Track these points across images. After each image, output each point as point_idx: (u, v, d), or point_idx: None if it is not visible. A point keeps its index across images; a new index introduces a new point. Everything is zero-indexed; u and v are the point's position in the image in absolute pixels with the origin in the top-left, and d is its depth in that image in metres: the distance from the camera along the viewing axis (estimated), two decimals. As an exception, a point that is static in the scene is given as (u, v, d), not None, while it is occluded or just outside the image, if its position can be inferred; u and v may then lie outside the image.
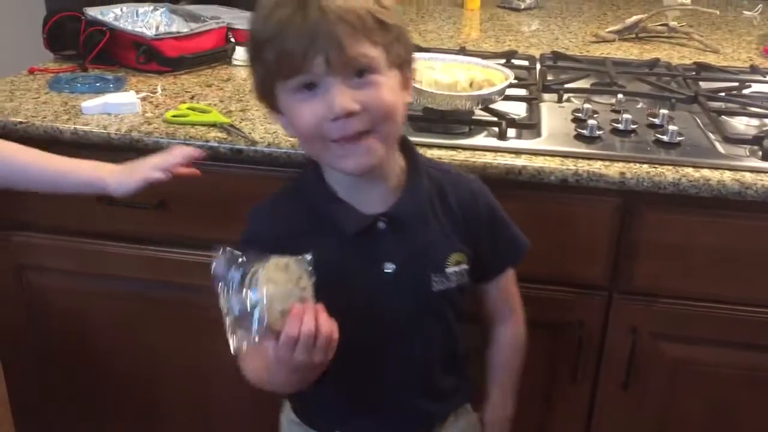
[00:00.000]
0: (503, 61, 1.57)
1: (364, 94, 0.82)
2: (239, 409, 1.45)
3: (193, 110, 1.33)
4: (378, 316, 0.93)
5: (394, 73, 0.85)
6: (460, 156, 1.18)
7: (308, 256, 0.84)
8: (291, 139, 1.23)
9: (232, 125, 1.27)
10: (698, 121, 1.32)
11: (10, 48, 2.58)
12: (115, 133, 1.25)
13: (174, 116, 1.30)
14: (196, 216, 1.31)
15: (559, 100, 1.40)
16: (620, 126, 1.26)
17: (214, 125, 1.27)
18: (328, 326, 0.80)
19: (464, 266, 0.96)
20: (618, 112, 1.33)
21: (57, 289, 1.43)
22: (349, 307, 0.84)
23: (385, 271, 0.92)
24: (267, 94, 0.88)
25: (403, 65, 0.87)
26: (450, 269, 0.94)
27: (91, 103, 1.31)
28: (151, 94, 1.41)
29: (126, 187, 1.08)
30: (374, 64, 0.82)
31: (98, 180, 1.08)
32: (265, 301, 0.79)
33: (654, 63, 1.62)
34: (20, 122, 1.28)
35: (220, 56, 1.60)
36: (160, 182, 1.09)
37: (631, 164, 1.16)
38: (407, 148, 0.96)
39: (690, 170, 1.15)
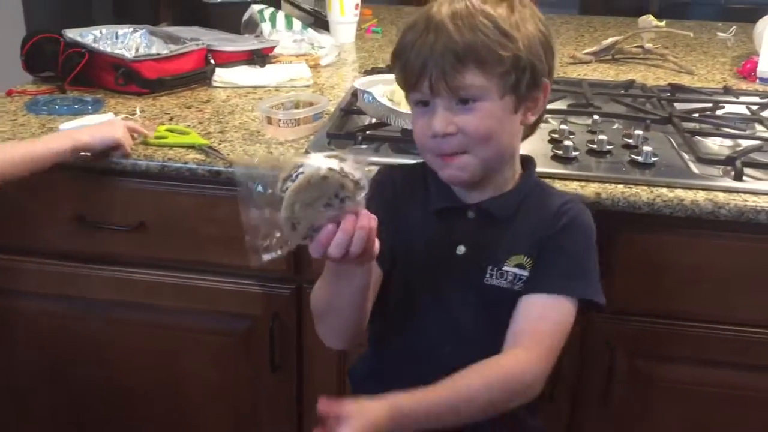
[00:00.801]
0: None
1: (462, 119, 0.90)
2: (218, 424, 1.44)
3: (172, 132, 1.33)
4: (437, 292, 0.99)
5: (505, 99, 0.91)
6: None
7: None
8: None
9: (210, 147, 1.27)
10: (672, 141, 1.34)
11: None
12: (116, 158, 1.25)
13: (153, 138, 1.30)
14: (173, 237, 1.30)
15: (536, 121, 1.42)
16: (596, 147, 1.27)
17: (192, 147, 1.28)
18: (366, 221, 0.78)
19: (523, 271, 0.96)
20: (594, 132, 1.34)
21: (29, 312, 1.41)
22: (416, 276, 0.98)
23: (457, 252, 0.98)
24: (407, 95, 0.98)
25: (522, 90, 0.92)
26: (507, 267, 0.96)
27: (69, 125, 1.31)
28: (130, 116, 1.41)
29: (103, 137, 1.21)
30: (477, 94, 0.90)
31: (74, 143, 1.19)
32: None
33: (629, 84, 1.64)
34: (-4, 144, 1.27)
35: (200, 77, 1.61)
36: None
37: (607, 184, 1.18)
38: (526, 166, 1.03)
39: (664, 190, 1.16)
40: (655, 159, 1.23)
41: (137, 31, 1.70)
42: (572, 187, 1.17)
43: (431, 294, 0.99)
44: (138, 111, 1.44)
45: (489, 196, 0.98)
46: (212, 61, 1.63)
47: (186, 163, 1.24)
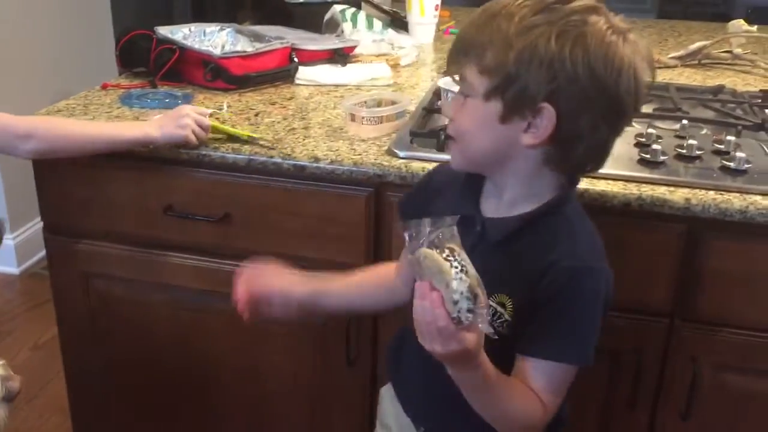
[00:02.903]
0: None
1: (456, 110, 0.93)
2: (295, 411, 1.47)
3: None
4: None
5: (487, 105, 0.88)
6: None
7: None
8: (354, 157, 1.25)
9: (250, 136, 1.31)
10: (765, 148, 1.30)
11: (79, 64, 2.70)
12: (184, 147, 1.29)
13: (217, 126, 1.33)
14: (257, 230, 1.33)
15: (621, 125, 1.39)
16: (685, 152, 1.24)
17: (239, 139, 1.31)
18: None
19: (503, 311, 0.91)
20: (682, 137, 1.31)
21: (119, 297, 1.47)
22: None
23: None
24: None
25: (509, 100, 0.87)
26: (490, 300, 0.89)
27: (160, 118, 1.35)
28: (218, 111, 1.45)
29: (170, 134, 1.27)
30: (467, 88, 0.90)
31: (143, 135, 1.27)
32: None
33: (718, 89, 1.59)
34: (93, 135, 1.33)
35: (284, 75, 1.64)
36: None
37: (697, 190, 1.15)
38: (561, 196, 0.95)
39: (758, 198, 1.13)
40: (748, 166, 1.19)
41: (224, 29, 1.74)
42: (660, 192, 1.15)
43: None
44: (225, 106, 1.48)
45: (498, 215, 0.95)
46: (296, 59, 1.66)
47: (271, 157, 1.26)
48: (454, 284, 0.75)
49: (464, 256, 0.78)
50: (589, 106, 0.86)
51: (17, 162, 1.35)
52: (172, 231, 1.37)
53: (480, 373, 0.84)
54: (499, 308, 0.91)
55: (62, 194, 1.40)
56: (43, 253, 1.54)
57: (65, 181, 1.39)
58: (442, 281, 0.76)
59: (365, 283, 1.15)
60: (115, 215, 1.39)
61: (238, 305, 1.11)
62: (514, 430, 0.93)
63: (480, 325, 0.77)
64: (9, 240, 2.59)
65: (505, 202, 0.95)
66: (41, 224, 1.46)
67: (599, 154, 0.93)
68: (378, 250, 1.29)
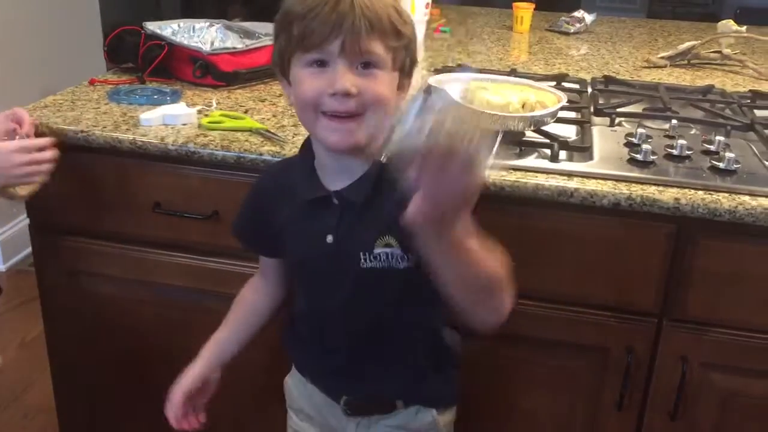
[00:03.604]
0: (554, 83, 1.57)
1: (363, 81, 0.93)
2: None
3: (227, 117, 1.37)
4: (322, 283, 1.06)
5: (394, 75, 0.97)
6: (511, 177, 1.18)
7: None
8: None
9: (267, 130, 1.31)
10: (754, 149, 1.30)
11: (67, 59, 2.68)
12: (173, 144, 1.28)
13: (209, 123, 1.33)
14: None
15: (611, 124, 1.40)
16: (674, 151, 1.24)
17: (249, 130, 1.31)
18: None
19: (395, 249, 0.98)
20: (672, 137, 1.31)
21: (106, 295, 1.46)
22: (301, 269, 1.09)
23: (327, 241, 1.01)
24: (283, 63, 0.99)
25: (405, 71, 0.99)
26: (378, 250, 0.99)
27: (149, 115, 1.34)
28: (207, 107, 1.44)
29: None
30: (380, 61, 0.94)
31: None
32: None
33: (708, 89, 1.60)
34: (81, 131, 1.32)
35: (273, 72, 1.62)
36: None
37: (686, 190, 1.15)
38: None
39: (747, 198, 1.13)
40: (737, 166, 1.20)
41: (213, 25, 1.73)
42: (649, 191, 1.15)
43: (310, 284, 1.09)
44: (214, 102, 1.47)
45: (351, 179, 1.00)
46: (285, 57, 1.65)
47: (261, 154, 1.26)
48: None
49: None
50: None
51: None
52: (160, 228, 1.36)
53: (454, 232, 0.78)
54: (388, 250, 0.98)
55: (49, 191, 1.39)
56: (29, 249, 1.53)
57: (52, 177, 1.37)
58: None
59: (240, 321, 1.20)
60: (103, 212, 1.38)
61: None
62: (502, 289, 0.86)
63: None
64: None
65: (346, 170, 0.99)
66: (27, 221, 1.44)
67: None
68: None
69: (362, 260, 0.99)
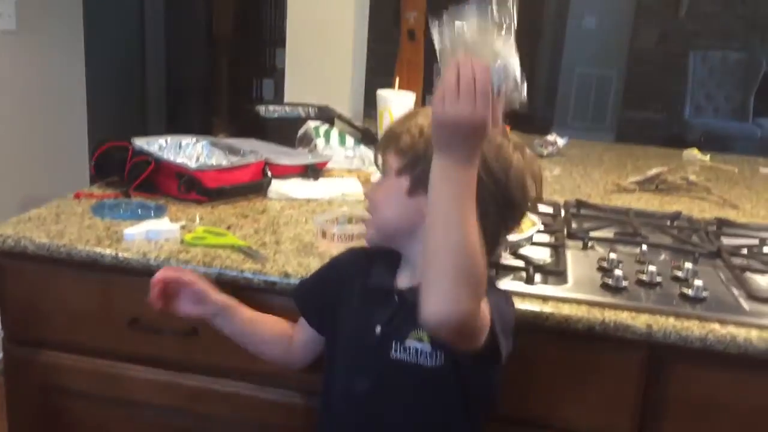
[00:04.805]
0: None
1: (373, 189, 1.13)
2: None
3: (210, 233, 1.39)
4: (352, 365, 1.11)
5: (401, 180, 1.05)
6: (489, 300, 1.20)
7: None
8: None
9: (249, 247, 1.33)
10: (722, 276, 1.34)
11: (50, 168, 2.71)
12: (155, 260, 1.29)
13: (193, 239, 1.35)
14: (225, 345, 1.32)
15: (584, 248, 1.44)
16: (645, 278, 1.28)
17: (231, 247, 1.33)
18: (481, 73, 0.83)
19: (425, 345, 1.02)
20: (642, 262, 1.36)
21: (79, 411, 1.42)
22: (337, 347, 1.14)
23: (375, 332, 1.06)
24: None
25: (418, 174, 1.02)
26: (409, 342, 1.03)
27: (133, 230, 1.36)
28: (190, 222, 1.46)
29: None
30: (386, 170, 1.08)
31: None
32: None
33: (676, 216, 1.66)
34: (63, 245, 1.33)
35: (257, 188, 1.67)
36: None
37: (658, 317, 1.18)
38: None
39: (716, 326, 1.16)
40: (706, 294, 1.23)
41: (199, 141, 1.78)
42: (623, 317, 1.17)
43: (340, 363, 1.13)
44: (197, 218, 1.49)
45: (413, 284, 1.03)
46: (269, 173, 1.70)
47: (242, 271, 1.27)
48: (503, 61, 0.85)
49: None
50: (481, 189, 0.91)
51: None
52: (137, 344, 1.35)
53: (473, 171, 0.86)
54: (418, 344, 1.02)
55: (26, 303, 1.38)
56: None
57: (29, 289, 1.37)
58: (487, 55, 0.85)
59: (266, 331, 1.24)
60: (79, 325, 1.37)
61: (152, 291, 1.19)
62: (477, 283, 0.86)
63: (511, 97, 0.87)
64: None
65: (417, 272, 1.02)
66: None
67: (490, 241, 1.00)
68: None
69: (393, 350, 1.03)
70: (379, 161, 1.11)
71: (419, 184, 1.01)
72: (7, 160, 2.59)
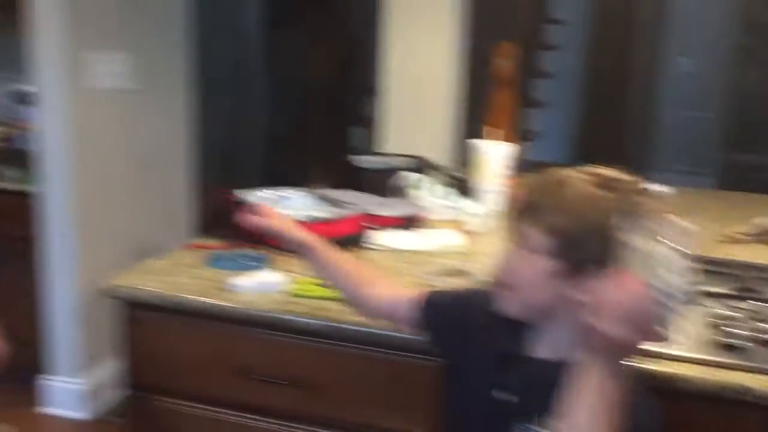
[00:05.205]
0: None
1: (513, 260, 1.02)
2: None
3: (315, 284, 1.40)
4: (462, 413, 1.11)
5: (543, 260, 0.98)
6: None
7: None
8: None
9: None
10: None
11: (160, 221, 2.82)
12: (263, 311, 1.33)
13: (299, 290, 1.39)
14: (342, 396, 1.34)
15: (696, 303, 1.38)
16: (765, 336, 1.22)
17: (337, 300, 1.33)
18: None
19: None
20: (763, 321, 1.29)
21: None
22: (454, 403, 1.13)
23: (491, 394, 1.04)
24: None
25: (573, 262, 0.97)
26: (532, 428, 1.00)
27: (242, 281, 1.40)
28: (295, 273, 1.49)
29: None
30: (522, 243, 1.01)
31: None
32: None
33: (792, 269, 1.58)
34: (175, 295, 1.39)
35: (355, 240, 1.70)
36: None
37: (780, 378, 1.12)
38: None
39: None
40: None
41: (301, 193, 1.83)
42: (739, 378, 1.12)
43: (460, 414, 1.12)
44: (298, 269, 1.53)
45: (543, 356, 1.03)
46: (369, 225, 1.73)
47: (350, 324, 1.29)
48: (669, 277, 0.87)
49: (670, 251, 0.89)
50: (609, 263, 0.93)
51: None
52: (249, 393, 1.39)
53: (619, 386, 0.88)
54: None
55: (148, 351, 1.45)
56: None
57: (150, 338, 1.44)
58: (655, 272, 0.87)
59: (348, 271, 1.24)
60: (192, 375, 1.42)
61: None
62: None
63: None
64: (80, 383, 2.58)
65: (549, 344, 1.02)
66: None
67: None
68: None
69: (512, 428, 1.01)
70: (513, 230, 1.02)
71: (572, 274, 0.97)
72: (124, 210, 2.70)
